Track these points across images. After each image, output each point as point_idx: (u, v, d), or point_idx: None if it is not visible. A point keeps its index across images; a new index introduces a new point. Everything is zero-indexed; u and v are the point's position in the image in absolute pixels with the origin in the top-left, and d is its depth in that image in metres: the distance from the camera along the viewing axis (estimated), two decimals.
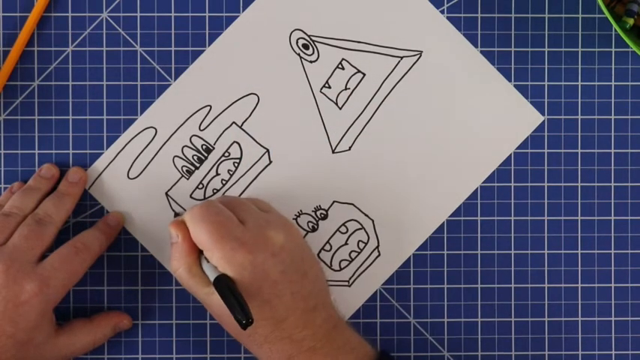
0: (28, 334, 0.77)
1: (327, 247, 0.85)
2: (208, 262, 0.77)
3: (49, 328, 0.79)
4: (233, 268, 0.75)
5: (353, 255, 0.85)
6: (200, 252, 0.78)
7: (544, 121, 0.85)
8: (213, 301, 0.77)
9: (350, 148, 0.85)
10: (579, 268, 0.86)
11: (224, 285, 0.74)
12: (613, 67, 0.85)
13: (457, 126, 0.85)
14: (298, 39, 0.85)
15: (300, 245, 0.79)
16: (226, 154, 0.85)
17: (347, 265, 0.85)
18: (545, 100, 0.85)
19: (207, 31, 0.84)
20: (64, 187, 0.83)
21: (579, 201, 0.86)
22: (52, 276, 0.78)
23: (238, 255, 0.75)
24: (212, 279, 0.75)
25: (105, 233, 0.82)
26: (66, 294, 0.80)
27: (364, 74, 0.85)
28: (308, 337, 0.77)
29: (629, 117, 0.85)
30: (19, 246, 0.78)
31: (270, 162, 0.85)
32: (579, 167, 0.85)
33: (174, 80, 0.84)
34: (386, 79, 0.85)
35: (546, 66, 0.85)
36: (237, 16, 0.85)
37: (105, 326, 0.83)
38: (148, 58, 0.84)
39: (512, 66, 0.85)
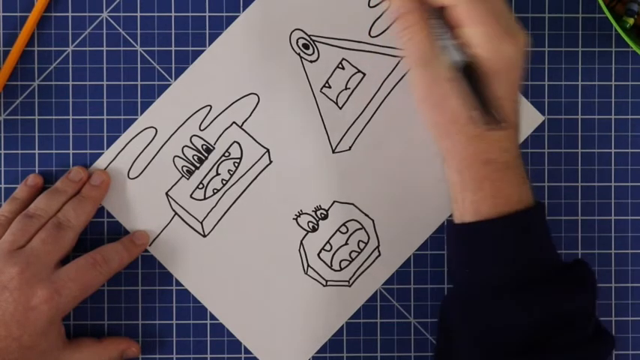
0: (34, 340, 0.77)
1: (327, 247, 0.85)
2: (454, 42, 0.72)
3: (55, 338, 0.79)
4: (492, 55, 0.71)
5: (353, 255, 0.85)
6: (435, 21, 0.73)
7: (544, 121, 0.85)
8: (443, 78, 0.73)
9: (350, 148, 0.85)
10: None
11: (476, 74, 0.69)
12: (613, 66, 0.85)
13: None
14: (298, 39, 0.85)
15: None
16: (226, 154, 0.85)
17: (347, 265, 0.85)
18: (545, 100, 0.85)
19: (207, 31, 0.84)
20: (85, 190, 0.83)
21: (579, 201, 0.86)
22: (66, 285, 0.78)
23: (504, 44, 0.72)
24: (460, 62, 0.70)
25: (128, 250, 0.83)
26: (77, 304, 0.80)
27: (364, 74, 0.85)
28: (509, 150, 0.75)
29: (629, 117, 0.86)
30: (37, 250, 0.79)
31: (270, 162, 0.85)
32: (579, 167, 0.86)
33: (174, 80, 0.84)
34: (386, 79, 0.85)
35: (546, 66, 0.85)
36: (237, 16, 0.85)
37: (112, 350, 0.83)
38: (148, 58, 0.84)
39: None
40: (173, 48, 0.84)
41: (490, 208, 0.74)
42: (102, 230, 0.84)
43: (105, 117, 0.84)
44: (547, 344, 0.73)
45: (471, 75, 0.71)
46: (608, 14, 0.77)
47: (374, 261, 0.85)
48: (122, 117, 0.84)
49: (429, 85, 0.74)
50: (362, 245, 0.85)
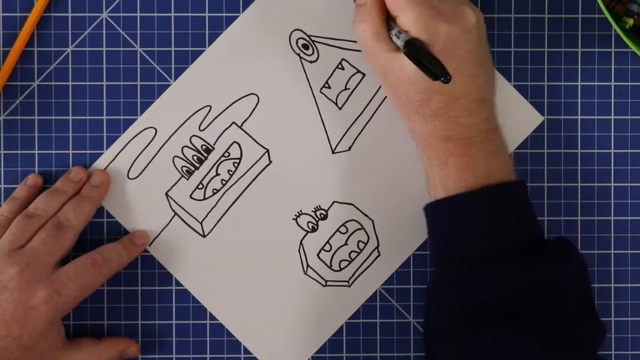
0: (34, 340, 0.77)
1: (327, 247, 0.85)
2: (397, 30, 0.76)
3: (55, 338, 0.79)
4: (427, 35, 0.75)
5: (353, 255, 0.85)
6: (387, 19, 0.78)
7: (544, 121, 0.85)
8: (394, 67, 0.77)
9: (350, 148, 0.85)
10: None
11: (418, 45, 0.74)
12: (613, 67, 0.85)
13: None
14: (298, 39, 0.85)
15: (484, 34, 0.79)
16: (226, 154, 0.85)
17: (347, 265, 0.85)
18: (545, 100, 0.85)
19: (207, 31, 0.85)
20: (85, 190, 0.83)
21: (579, 201, 0.86)
22: (65, 285, 0.78)
23: (435, 22, 0.75)
24: (402, 44, 0.75)
25: (128, 250, 0.83)
26: (76, 305, 0.80)
27: (364, 74, 0.85)
28: (471, 126, 0.77)
29: (629, 117, 0.85)
30: (37, 250, 0.79)
31: (270, 162, 0.85)
32: (579, 167, 0.86)
33: (174, 80, 0.84)
34: None
35: (546, 66, 0.85)
36: (237, 16, 0.85)
37: (112, 350, 0.83)
38: (148, 58, 0.84)
39: (512, 66, 0.85)
40: (173, 48, 0.84)
41: (457, 184, 0.76)
42: (102, 230, 0.84)
43: (105, 117, 0.84)
44: (523, 316, 0.73)
45: (413, 48, 0.75)
46: (607, 15, 0.77)
47: (373, 261, 0.85)
48: (122, 117, 0.84)
49: (385, 74, 0.78)
50: (361, 245, 0.85)
